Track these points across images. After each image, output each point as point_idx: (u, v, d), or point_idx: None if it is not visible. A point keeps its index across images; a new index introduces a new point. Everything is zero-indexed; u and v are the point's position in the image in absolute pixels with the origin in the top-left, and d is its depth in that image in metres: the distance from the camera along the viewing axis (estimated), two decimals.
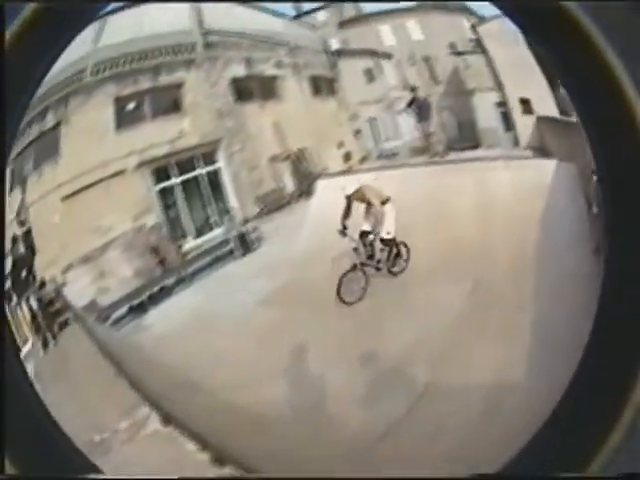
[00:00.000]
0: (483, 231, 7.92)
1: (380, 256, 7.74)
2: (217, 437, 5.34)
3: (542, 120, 9.96)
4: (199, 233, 9.20)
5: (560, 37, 2.67)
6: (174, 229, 8.96)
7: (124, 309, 7.97)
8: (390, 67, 10.56)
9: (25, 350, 7.06)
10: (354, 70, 10.46)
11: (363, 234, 7.64)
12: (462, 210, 8.34)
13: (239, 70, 9.71)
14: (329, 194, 8.65)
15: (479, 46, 10.20)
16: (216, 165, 9.45)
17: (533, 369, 5.76)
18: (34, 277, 7.88)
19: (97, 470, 3.20)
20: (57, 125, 8.54)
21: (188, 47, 9.51)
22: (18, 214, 8.02)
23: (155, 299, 8.17)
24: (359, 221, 7.75)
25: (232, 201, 9.28)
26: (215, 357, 6.60)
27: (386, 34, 10.45)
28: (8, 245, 7.57)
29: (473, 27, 10.47)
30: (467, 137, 10.11)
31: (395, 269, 7.85)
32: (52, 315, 7.67)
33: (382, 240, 7.63)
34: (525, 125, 9.92)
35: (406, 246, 7.85)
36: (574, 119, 9.14)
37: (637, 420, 2.51)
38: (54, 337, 7.52)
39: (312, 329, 7.03)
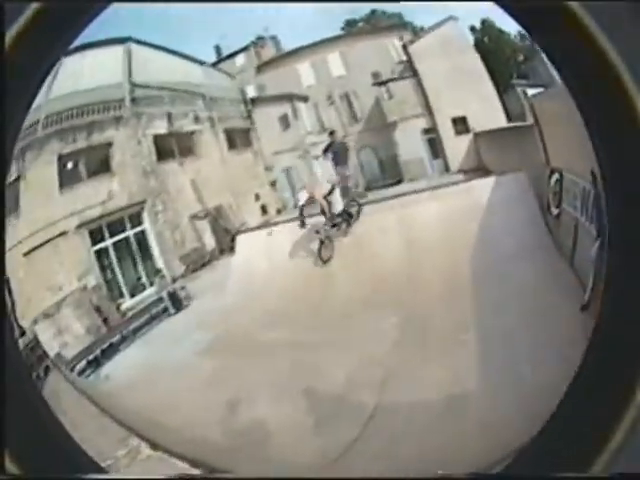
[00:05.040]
0: (409, 265, 8.02)
1: (338, 221, 9.45)
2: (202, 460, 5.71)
3: (480, 136, 9.78)
4: (133, 293, 9.38)
5: (563, 37, 2.67)
6: (112, 289, 9.20)
7: (83, 363, 8.34)
8: (307, 110, 10.46)
9: None
10: (269, 118, 10.44)
11: (322, 211, 9.37)
12: (386, 249, 8.42)
13: (161, 126, 9.82)
14: (249, 248, 8.88)
15: (408, 68, 10.03)
16: (143, 226, 9.65)
17: (488, 378, 5.87)
18: (17, 324, 8.28)
19: (100, 469, 3.37)
20: (17, 179, 8.82)
21: (117, 103, 9.64)
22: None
23: (106, 354, 8.49)
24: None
25: (159, 261, 9.46)
26: (167, 404, 6.95)
27: (305, 73, 10.36)
28: None
29: (404, 47, 10.27)
30: (389, 173, 10.02)
31: (350, 227, 9.56)
32: (37, 360, 8.08)
33: (337, 214, 9.45)
34: (457, 148, 9.77)
35: (355, 204, 9.63)
36: (529, 122, 8.88)
37: (639, 420, 2.54)
38: (41, 378, 7.92)
39: (251, 373, 7.29)
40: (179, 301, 9.01)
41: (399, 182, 10.04)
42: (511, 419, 5.42)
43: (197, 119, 10.16)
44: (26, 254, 8.58)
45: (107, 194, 9.20)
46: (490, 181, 9.05)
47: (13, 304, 8.20)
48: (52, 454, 2.87)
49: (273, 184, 10.49)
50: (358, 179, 10.00)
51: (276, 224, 9.55)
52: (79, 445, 3.21)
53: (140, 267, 9.48)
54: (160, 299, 9.09)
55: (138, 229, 9.57)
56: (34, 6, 2.71)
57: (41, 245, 8.69)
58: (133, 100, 9.76)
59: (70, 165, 9.31)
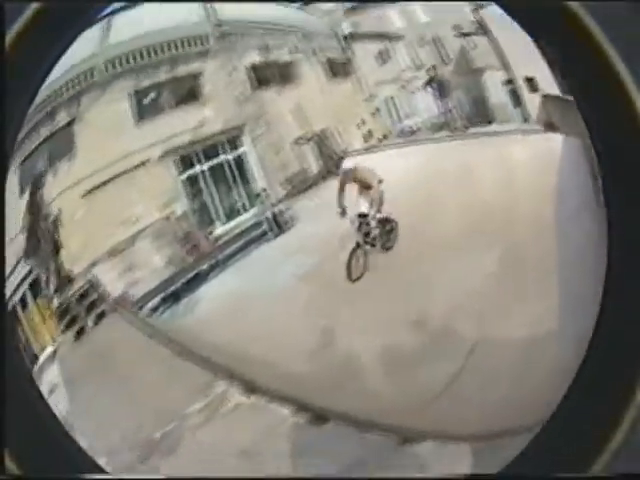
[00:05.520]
0: (508, 201, 8.29)
1: (375, 234, 8.10)
2: (306, 398, 5.45)
3: (547, 98, 10.40)
4: (228, 218, 9.21)
5: (563, 37, 2.78)
6: (202, 216, 9.02)
7: (157, 299, 7.96)
8: (401, 48, 10.76)
9: (45, 354, 6.97)
10: (366, 53, 10.62)
11: (361, 216, 8.03)
12: (486, 181, 8.72)
13: (255, 57, 9.81)
14: None
15: (482, 27, 10.56)
16: (240, 150, 9.46)
17: (563, 321, 6.16)
18: (60, 274, 7.80)
19: (100, 469, 3.32)
20: (70, 123, 8.48)
21: (202, 38, 9.53)
22: (37, 212, 7.93)
23: (189, 286, 8.18)
24: (352, 201, 8.20)
25: (261, 184, 9.32)
26: (259, 334, 6.75)
27: (395, 16, 10.72)
28: (22, 245, 7.51)
29: (475, 9, 10.84)
30: (480, 113, 10.43)
31: (389, 244, 8.17)
32: (86, 310, 7.61)
33: (379, 220, 8.08)
34: (532, 102, 10.31)
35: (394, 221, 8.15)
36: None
37: (639, 420, 2.64)
38: (83, 333, 7.47)
39: (353, 301, 7.27)
40: (281, 224, 8.97)
41: (490, 122, 10.44)
42: (570, 362, 5.84)
43: (294, 50, 10.21)
44: (87, 193, 8.25)
45: (198, 121, 9.02)
46: (560, 137, 9.62)
47: (58, 252, 7.89)
48: (52, 454, 3.13)
49: (375, 112, 10.58)
50: (458, 113, 10.31)
51: (382, 148, 9.71)
52: (79, 445, 3.29)
53: (237, 191, 9.30)
54: (259, 223, 9.02)
55: (235, 153, 9.44)
56: (34, 6, 2.91)
57: (110, 180, 8.38)
58: (221, 35, 9.68)
59: (150, 97, 9.08)
